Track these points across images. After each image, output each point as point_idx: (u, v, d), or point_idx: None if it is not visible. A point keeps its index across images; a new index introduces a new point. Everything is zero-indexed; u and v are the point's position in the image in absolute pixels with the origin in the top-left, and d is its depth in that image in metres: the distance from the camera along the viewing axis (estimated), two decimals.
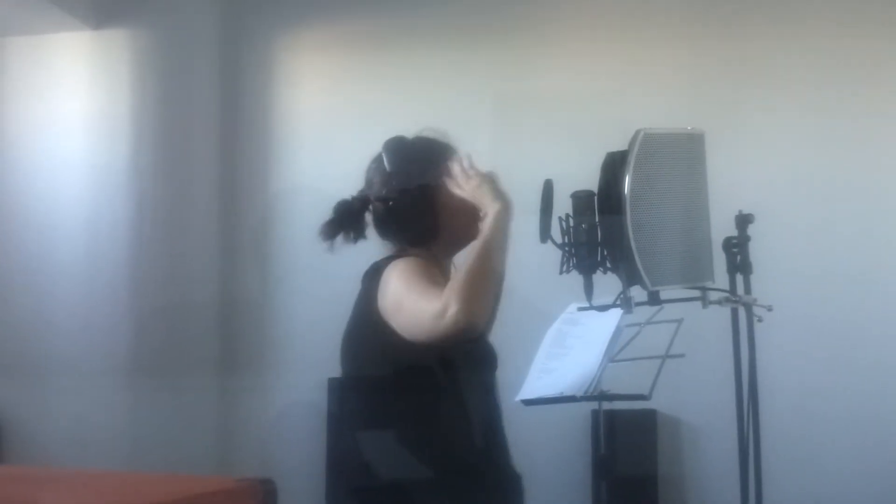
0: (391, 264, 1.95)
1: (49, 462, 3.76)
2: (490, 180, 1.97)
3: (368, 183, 2.07)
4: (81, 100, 4.35)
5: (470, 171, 1.98)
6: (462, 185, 1.98)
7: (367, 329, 1.95)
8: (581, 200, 2.02)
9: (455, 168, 2.00)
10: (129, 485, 1.34)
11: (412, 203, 2.00)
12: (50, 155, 4.35)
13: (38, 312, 4.22)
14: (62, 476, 1.47)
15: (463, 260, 1.94)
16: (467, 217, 2.00)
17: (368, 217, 2.08)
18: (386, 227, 2.05)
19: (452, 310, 1.75)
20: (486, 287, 1.84)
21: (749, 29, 4.13)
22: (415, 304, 1.84)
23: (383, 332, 1.90)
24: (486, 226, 1.90)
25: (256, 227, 4.41)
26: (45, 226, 4.30)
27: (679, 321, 2.47)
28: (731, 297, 2.27)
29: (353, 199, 2.07)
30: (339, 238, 2.05)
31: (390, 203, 2.01)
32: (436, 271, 1.94)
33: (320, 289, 3.92)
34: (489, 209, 1.92)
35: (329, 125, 4.40)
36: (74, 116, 4.33)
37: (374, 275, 1.97)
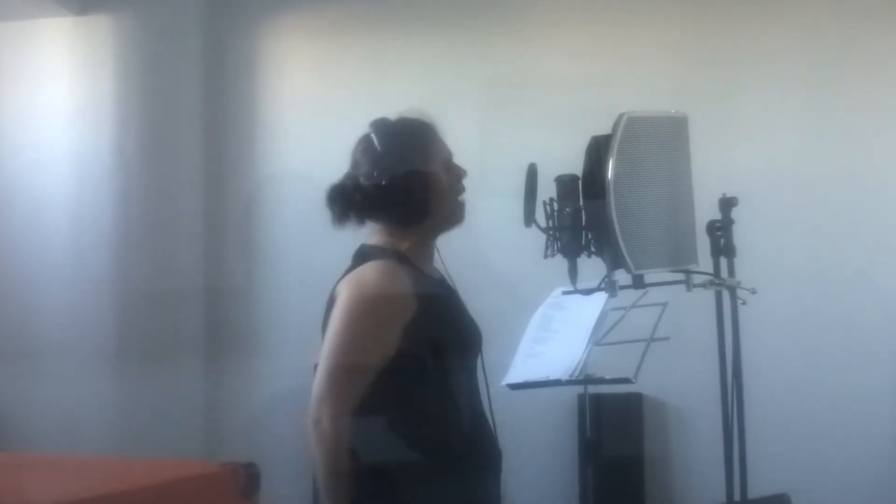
0: (368, 264, 1.97)
1: (36, 448, 3.76)
2: None
3: (355, 164, 2.03)
4: (65, 86, 4.33)
5: None
6: None
7: (328, 313, 1.99)
8: (565, 184, 2.02)
9: None
10: (113, 469, 1.35)
11: (405, 183, 1.97)
12: (33, 142, 4.33)
13: (23, 300, 4.21)
14: (47, 461, 1.47)
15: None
16: (454, 199, 2.04)
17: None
18: (377, 208, 2.01)
19: (319, 419, 1.87)
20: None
21: (735, 13, 4.12)
22: (327, 362, 1.90)
23: None
24: None
25: (242, 214, 4.39)
26: (29, 213, 4.28)
27: (664, 304, 2.48)
28: (715, 280, 2.29)
29: (344, 181, 2.03)
30: (352, 219, 2.03)
31: (383, 183, 1.97)
32: (403, 283, 1.95)
33: (305, 274, 3.92)
34: None
35: (314, 111, 4.38)
36: (57, 103, 4.31)
37: (353, 264, 2.00)
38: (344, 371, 1.90)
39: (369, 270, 1.95)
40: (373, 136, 2.02)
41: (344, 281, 1.97)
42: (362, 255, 2.01)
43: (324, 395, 1.88)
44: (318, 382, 1.89)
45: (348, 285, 1.95)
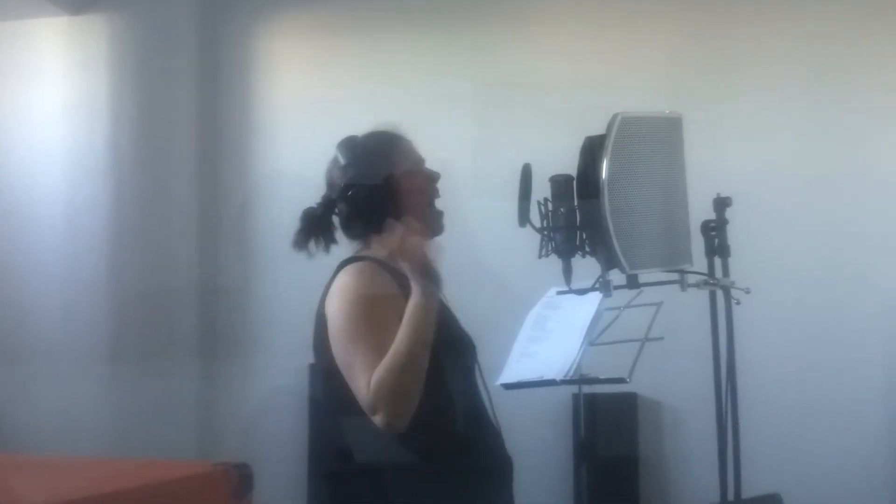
0: (343, 270, 2.00)
1: (31, 450, 3.75)
2: (421, 261, 1.85)
3: (329, 185, 2.10)
4: (59, 86, 4.32)
5: (410, 244, 1.86)
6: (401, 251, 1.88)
7: (319, 328, 2.01)
8: (560, 184, 2.02)
9: (401, 230, 1.88)
10: (105, 470, 1.34)
11: (369, 195, 2.01)
12: (27, 142, 4.32)
13: (16, 300, 4.20)
14: (39, 462, 1.47)
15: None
16: (426, 206, 2.07)
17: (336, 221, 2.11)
18: (349, 224, 2.07)
19: (380, 415, 1.81)
20: (411, 384, 1.83)
21: (729, 14, 4.13)
22: (351, 371, 1.88)
23: (325, 338, 1.96)
24: (408, 315, 1.84)
25: (236, 214, 4.39)
26: (23, 213, 4.27)
27: (658, 304, 2.48)
28: (710, 280, 2.29)
29: (318, 205, 2.10)
30: (312, 245, 2.09)
31: (348, 196, 2.02)
32: (386, 279, 1.96)
33: (300, 275, 3.91)
34: (413, 295, 1.86)
35: (309, 111, 4.38)
36: (52, 102, 4.30)
37: (334, 274, 2.02)
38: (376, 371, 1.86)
39: (348, 276, 1.98)
40: (337, 153, 2.08)
41: (329, 297, 1.99)
42: (342, 264, 2.05)
43: (375, 406, 1.84)
44: (362, 399, 1.86)
45: (334, 300, 1.97)
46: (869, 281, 3.89)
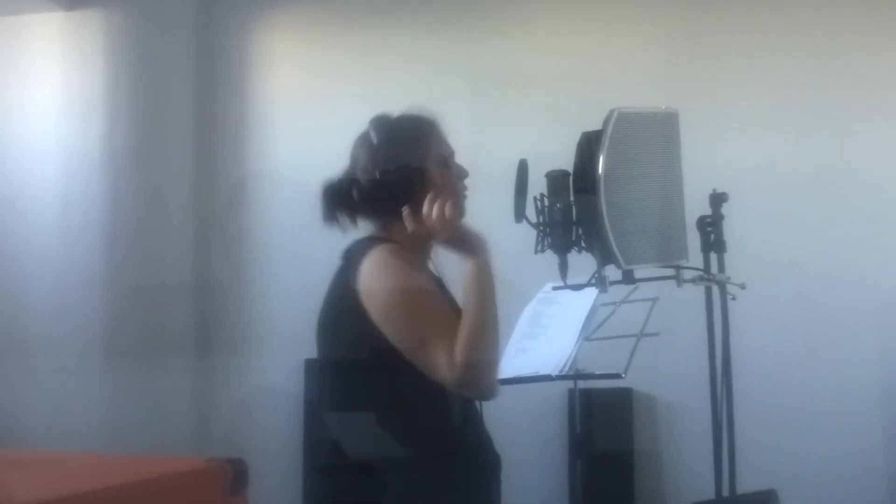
0: (371, 252, 1.92)
1: (24, 445, 3.75)
2: (464, 230, 1.90)
3: (354, 160, 2.03)
4: (54, 82, 4.31)
5: (446, 217, 1.88)
6: (436, 230, 1.90)
7: (343, 311, 1.95)
8: (556, 180, 2.02)
9: (431, 210, 1.90)
10: (98, 466, 1.34)
11: (398, 178, 1.97)
12: (23, 138, 4.31)
13: (11, 296, 4.19)
14: (32, 458, 1.46)
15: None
16: (453, 194, 2.02)
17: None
18: (371, 203, 2.01)
19: (473, 389, 1.85)
20: (494, 351, 1.85)
21: (725, 8, 4.13)
22: (424, 349, 1.83)
23: (358, 316, 1.89)
24: (469, 284, 1.86)
25: (231, 210, 4.38)
26: (19, 209, 4.26)
27: (654, 300, 2.48)
28: (705, 276, 2.29)
29: (340, 178, 2.04)
30: (339, 218, 2.03)
31: (377, 177, 1.98)
32: (412, 258, 1.94)
33: (295, 271, 3.92)
34: (466, 265, 1.88)
35: (304, 107, 4.38)
36: (47, 99, 4.30)
37: (353, 256, 1.96)
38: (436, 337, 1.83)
39: (383, 256, 1.92)
40: (370, 132, 2.03)
41: (362, 281, 1.91)
42: (360, 246, 1.97)
43: (465, 382, 1.82)
44: (444, 376, 1.82)
45: (374, 282, 1.90)
46: (865, 276, 3.89)
